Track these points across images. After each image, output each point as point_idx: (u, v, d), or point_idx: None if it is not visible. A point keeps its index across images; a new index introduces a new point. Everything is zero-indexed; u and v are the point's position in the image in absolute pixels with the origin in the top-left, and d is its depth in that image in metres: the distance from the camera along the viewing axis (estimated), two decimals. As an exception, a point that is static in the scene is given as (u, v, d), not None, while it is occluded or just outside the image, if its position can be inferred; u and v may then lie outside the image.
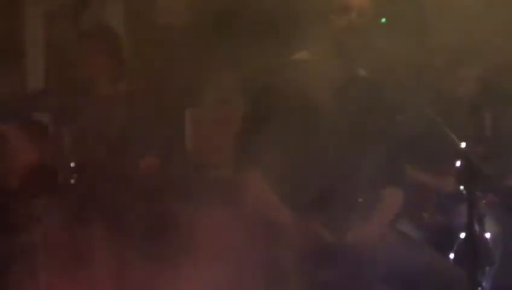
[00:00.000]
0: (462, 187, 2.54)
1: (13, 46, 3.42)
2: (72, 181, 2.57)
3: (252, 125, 1.92)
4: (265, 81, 1.95)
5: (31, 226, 2.68)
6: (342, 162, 1.84)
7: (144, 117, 2.77)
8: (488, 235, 2.42)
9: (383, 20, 1.72)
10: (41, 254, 2.56)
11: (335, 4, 1.80)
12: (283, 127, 1.85)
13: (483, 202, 2.54)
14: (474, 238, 1.47)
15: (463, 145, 1.48)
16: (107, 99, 2.69)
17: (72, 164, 2.54)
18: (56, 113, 2.72)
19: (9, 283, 2.52)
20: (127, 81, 3.36)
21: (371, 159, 1.93)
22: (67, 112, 2.66)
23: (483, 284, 2.33)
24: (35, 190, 2.62)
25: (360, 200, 1.89)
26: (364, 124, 1.86)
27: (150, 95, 3.45)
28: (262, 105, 1.91)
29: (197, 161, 3.06)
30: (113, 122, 2.67)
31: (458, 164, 2.53)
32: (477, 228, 1.62)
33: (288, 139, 1.85)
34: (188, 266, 2.05)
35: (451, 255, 2.47)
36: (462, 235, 2.48)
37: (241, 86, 3.62)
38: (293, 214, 1.83)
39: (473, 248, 1.46)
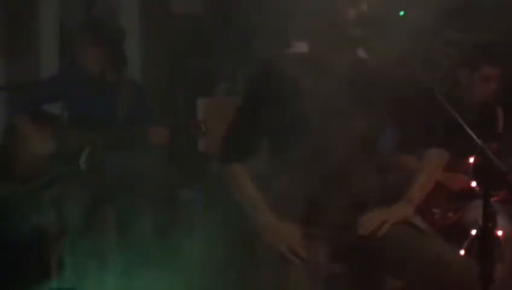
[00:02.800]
0: (474, 184, 2.56)
1: (27, 34, 3.44)
2: (84, 168, 2.59)
3: (243, 116, 1.88)
4: (260, 71, 1.90)
5: (43, 215, 2.71)
6: (345, 151, 1.80)
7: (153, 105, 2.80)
8: (500, 232, 2.40)
9: (402, 13, 1.68)
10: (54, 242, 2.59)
11: None
12: (279, 117, 1.81)
13: (496, 199, 2.53)
14: (488, 235, 1.45)
15: (479, 141, 1.46)
16: (113, 87, 2.72)
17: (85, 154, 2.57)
18: (65, 102, 2.73)
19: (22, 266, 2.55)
20: (139, 70, 3.37)
21: (376, 145, 1.92)
22: (76, 100, 2.68)
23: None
24: (46, 179, 2.64)
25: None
26: (370, 108, 1.82)
27: (162, 84, 3.47)
28: (257, 96, 1.87)
29: (208, 151, 3.06)
30: (121, 108, 2.70)
31: (471, 160, 2.53)
32: (489, 224, 1.59)
33: (285, 128, 1.81)
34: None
35: (462, 252, 2.46)
36: (473, 232, 2.46)
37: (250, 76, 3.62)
38: (270, 214, 1.80)
39: (486, 244, 1.44)
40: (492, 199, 2.50)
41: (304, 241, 1.75)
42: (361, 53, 1.87)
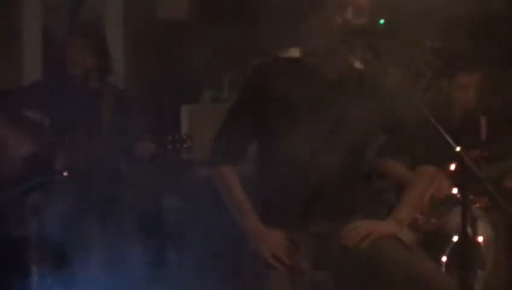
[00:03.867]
0: (455, 190, 2.58)
1: (10, 39, 3.41)
2: (65, 174, 2.57)
3: (233, 119, 1.87)
4: (251, 75, 1.90)
5: (25, 219, 2.68)
6: (336, 157, 1.81)
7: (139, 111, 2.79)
8: (480, 238, 2.43)
9: (382, 21, 1.70)
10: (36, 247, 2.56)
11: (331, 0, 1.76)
12: (268, 121, 1.81)
13: (477, 205, 2.56)
14: (467, 241, 1.46)
15: (458, 148, 1.48)
16: (96, 93, 2.71)
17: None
18: (46, 107, 2.71)
19: (5, 277, 2.51)
20: (124, 75, 3.36)
21: (367, 152, 1.92)
22: (57, 105, 2.66)
23: (475, 287, 2.33)
24: (28, 184, 2.61)
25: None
26: (361, 118, 1.81)
27: (146, 91, 3.45)
28: (247, 99, 1.86)
29: (192, 157, 3.05)
30: (104, 115, 2.69)
31: (452, 167, 2.56)
32: (470, 231, 1.61)
33: (274, 132, 1.81)
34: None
35: (444, 258, 2.48)
36: (455, 238, 2.48)
37: (238, 82, 3.62)
38: (256, 219, 1.79)
39: (466, 250, 1.45)
40: (474, 206, 2.55)
41: (288, 248, 1.75)
42: (357, 64, 1.88)
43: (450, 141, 1.48)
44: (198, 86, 3.70)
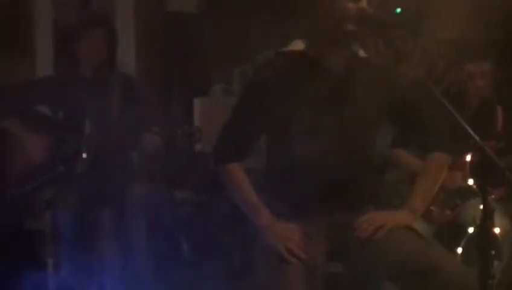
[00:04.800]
0: (471, 181, 2.56)
1: (22, 34, 3.42)
2: (85, 156, 2.57)
3: (239, 115, 1.86)
4: (256, 69, 1.90)
5: (39, 215, 2.69)
6: (346, 149, 1.79)
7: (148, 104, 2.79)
8: (497, 230, 2.41)
9: (398, 10, 1.67)
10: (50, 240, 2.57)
11: None
12: (275, 116, 1.80)
13: (493, 196, 2.53)
14: (486, 233, 1.44)
15: (477, 138, 1.46)
16: (106, 83, 2.70)
17: (84, 155, 2.55)
18: (58, 101, 2.71)
19: (18, 271, 2.53)
20: (135, 68, 3.35)
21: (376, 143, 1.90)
22: (69, 98, 2.66)
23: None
24: (40, 182, 2.62)
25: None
26: (370, 108, 1.80)
27: (157, 84, 3.45)
28: (253, 94, 1.84)
29: (204, 150, 3.05)
30: (114, 105, 2.68)
31: (468, 157, 2.53)
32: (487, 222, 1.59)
33: (282, 127, 1.80)
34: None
35: (459, 250, 2.46)
36: (470, 229, 2.46)
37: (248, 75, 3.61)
38: (268, 213, 1.78)
39: (484, 242, 1.44)
40: (490, 197, 2.52)
41: (302, 241, 1.74)
42: (361, 52, 1.85)
43: (470, 130, 1.46)
44: (208, 79, 3.69)
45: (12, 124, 2.67)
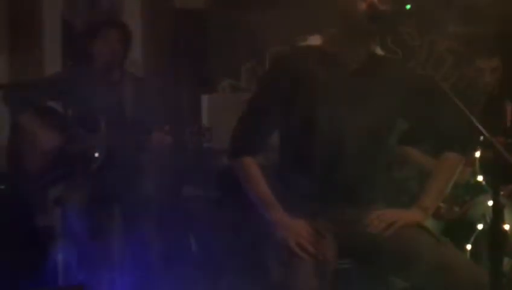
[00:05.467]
0: (480, 178, 2.55)
1: (30, 31, 3.43)
2: (97, 155, 2.58)
3: (254, 109, 1.86)
4: (272, 64, 1.89)
5: (49, 211, 2.71)
6: (358, 145, 1.79)
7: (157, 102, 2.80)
8: (507, 226, 2.40)
9: (408, 6, 1.67)
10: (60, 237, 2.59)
11: None
12: (290, 111, 1.80)
13: (502, 193, 2.52)
14: (497, 229, 1.44)
15: (487, 134, 1.45)
16: (117, 82, 2.72)
17: (96, 154, 2.57)
18: (69, 99, 2.73)
19: (28, 268, 2.55)
20: (143, 65, 3.36)
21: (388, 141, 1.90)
22: (79, 97, 2.67)
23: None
24: (53, 176, 2.64)
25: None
26: (383, 105, 1.80)
27: (165, 80, 3.46)
28: (268, 88, 1.85)
29: (211, 146, 3.05)
30: (127, 105, 2.70)
31: (478, 154, 2.52)
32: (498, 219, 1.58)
33: (296, 122, 1.80)
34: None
35: (468, 247, 2.45)
36: (480, 226, 2.46)
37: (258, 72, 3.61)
38: (280, 209, 1.79)
39: (496, 239, 1.43)
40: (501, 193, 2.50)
41: (313, 237, 1.75)
42: (378, 50, 1.85)
43: (480, 127, 1.46)
44: (216, 75, 3.69)
45: (26, 120, 2.69)
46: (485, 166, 2.50)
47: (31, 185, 2.65)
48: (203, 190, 3.20)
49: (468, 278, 1.66)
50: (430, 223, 2.11)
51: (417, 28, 3.22)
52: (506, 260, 2.33)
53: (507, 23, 3.35)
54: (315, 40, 1.87)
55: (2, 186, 2.86)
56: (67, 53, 3.45)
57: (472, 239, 2.45)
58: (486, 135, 1.45)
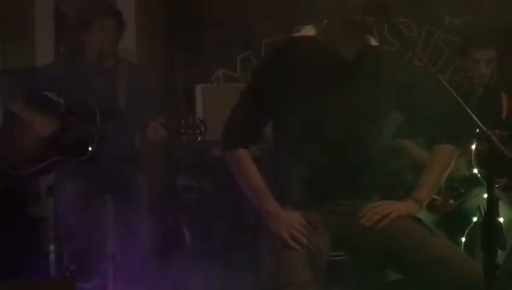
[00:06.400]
0: (476, 170, 2.54)
1: (22, 19, 3.40)
2: (84, 156, 2.56)
3: (248, 100, 1.84)
4: (266, 56, 1.88)
5: (41, 201, 2.69)
6: (353, 135, 1.78)
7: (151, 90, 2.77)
8: (501, 219, 2.39)
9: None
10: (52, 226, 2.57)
11: None
12: (284, 102, 1.79)
13: (497, 185, 2.52)
14: (491, 222, 1.43)
15: (483, 127, 1.44)
16: (112, 70, 2.69)
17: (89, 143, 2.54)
18: (62, 89, 2.70)
19: (22, 257, 2.54)
20: (136, 54, 3.33)
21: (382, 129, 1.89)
22: (72, 86, 2.65)
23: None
24: (46, 164, 2.62)
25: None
26: (377, 96, 1.78)
27: (159, 70, 3.43)
28: (262, 80, 1.83)
29: (206, 137, 3.04)
30: (121, 92, 2.67)
31: (473, 146, 2.51)
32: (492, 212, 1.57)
33: (290, 113, 1.79)
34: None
35: (463, 239, 2.45)
36: (475, 219, 2.45)
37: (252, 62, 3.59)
38: (273, 201, 1.78)
39: (490, 232, 1.42)
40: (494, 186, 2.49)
41: (306, 229, 1.74)
42: (373, 41, 1.84)
43: (476, 120, 1.44)
44: (211, 65, 3.68)
45: (19, 108, 2.66)
46: (480, 159, 2.49)
47: (23, 172, 2.63)
48: (197, 181, 3.19)
49: (462, 269, 1.65)
50: (425, 215, 2.10)
51: (414, 19, 3.21)
52: (499, 253, 2.33)
53: (503, 14, 3.33)
54: (308, 31, 1.85)
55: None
56: (60, 41, 3.41)
57: (466, 232, 2.45)
58: (482, 127, 1.44)
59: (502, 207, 2.40)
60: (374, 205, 1.82)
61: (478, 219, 2.43)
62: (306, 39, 1.84)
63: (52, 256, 2.58)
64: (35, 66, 3.23)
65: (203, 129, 2.51)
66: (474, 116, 1.46)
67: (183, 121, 2.51)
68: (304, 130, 1.78)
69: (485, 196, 1.45)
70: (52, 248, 2.59)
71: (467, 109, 1.47)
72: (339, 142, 1.78)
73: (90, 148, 2.57)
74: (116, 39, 2.70)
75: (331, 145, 1.77)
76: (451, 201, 2.60)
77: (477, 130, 1.47)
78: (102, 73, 2.69)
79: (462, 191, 2.60)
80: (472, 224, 2.46)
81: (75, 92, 2.64)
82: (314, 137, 1.77)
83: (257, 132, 1.88)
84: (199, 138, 2.53)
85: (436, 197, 2.56)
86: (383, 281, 2.00)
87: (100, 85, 2.65)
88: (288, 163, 1.82)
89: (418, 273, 1.70)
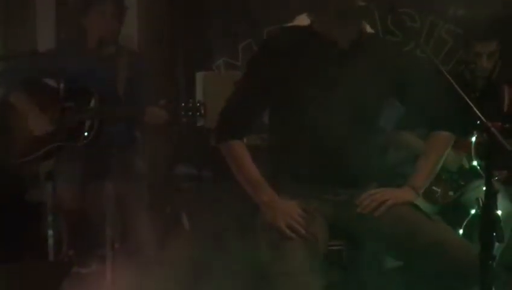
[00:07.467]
0: (475, 163, 2.54)
1: (23, 4, 3.38)
2: (83, 141, 2.56)
3: (243, 91, 1.83)
4: (261, 46, 1.87)
5: (40, 186, 2.69)
6: (349, 124, 1.78)
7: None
8: (499, 212, 2.39)
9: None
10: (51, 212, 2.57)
11: None
12: (280, 91, 1.78)
13: (496, 178, 2.52)
14: (489, 214, 1.43)
15: (483, 119, 1.43)
16: (111, 57, 2.68)
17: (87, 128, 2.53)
18: (61, 74, 2.69)
19: (20, 241, 2.54)
20: (137, 41, 3.32)
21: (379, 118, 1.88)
22: (72, 71, 2.63)
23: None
24: (45, 150, 2.61)
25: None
26: (374, 84, 1.77)
27: (160, 58, 3.42)
28: (257, 70, 1.82)
29: (206, 125, 3.03)
30: (120, 78, 2.66)
31: (473, 138, 2.51)
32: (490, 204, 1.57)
33: (286, 103, 1.78)
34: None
35: (460, 231, 2.45)
36: (473, 211, 2.45)
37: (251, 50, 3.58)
38: (269, 191, 1.77)
39: (488, 224, 1.42)
40: (493, 179, 2.50)
41: (303, 218, 1.74)
42: (368, 28, 1.82)
43: (476, 111, 1.44)
44: (212, 53, 3.66)
45: (17, 96, 2.65)
46: (480, 151, 2.49)
47: (21, 159, 2.63)
48: (196, 169, 3.18)
49: (459, 254, 1.66)
50: (424, 206, 2.10)
51: (417, 10, 3.19)
52: (496, 245, 2.34)
53: (506, 6, 3.31)
54: (303, 20, 1.84)
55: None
56: (61, 27, 3.40)
57: (464, 224, 2.45)
58: (483, 119, 1.43)
59: (501, 200, 2.42)
60: (370, 192, 1.82)
61: (476, 211, 2.44)
62: (300, 29, 1.83)
63: (50, 241, 2.59)
64: (35, 51, 3.21)
65: (203, 112, 2.50)
66: (474, 107, 1.45)
67: (183, 104, 2.49)
68: (299, 119, 1.77)
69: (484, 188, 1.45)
70: (50, 232, 2.59)
71: (468, 100, 1.47)
72: (336, 131, 1.77)
73: (88, 133, 2.56)
74: (117, 27, 2.68)
75: (328, 134, 1.77)
76: (450, 193, 2.61)
77: (478, 122, 1.46)
78: (102, 60, 2.67)
79: (462, 183, 2.60)
80: (470, 216, 2.46)
81: (75, 78, 2.63)
82: (311, 127, 1.76)
83: (251, 122, 1.87)
84: (199, 123, 2.52)
85: (435, 188, 2.56)
86: (382, 269, 2.00)
87: (100, 72, 2.64)
88: (284, 153, 1.82)
89: (417, 258, 1.70)
